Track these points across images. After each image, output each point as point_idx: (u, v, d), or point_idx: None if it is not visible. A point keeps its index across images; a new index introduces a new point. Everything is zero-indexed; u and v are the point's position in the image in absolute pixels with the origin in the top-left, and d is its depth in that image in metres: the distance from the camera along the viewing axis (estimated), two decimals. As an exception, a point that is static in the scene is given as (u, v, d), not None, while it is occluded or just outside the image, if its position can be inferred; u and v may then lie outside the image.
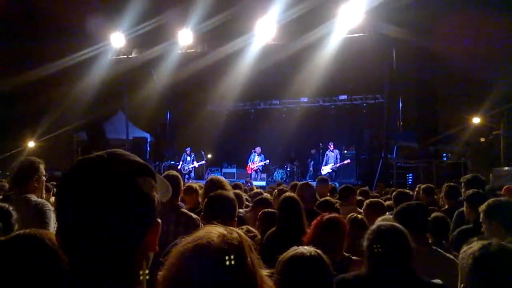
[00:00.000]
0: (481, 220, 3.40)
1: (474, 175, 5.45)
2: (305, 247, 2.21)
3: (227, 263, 1.15)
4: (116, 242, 1.02)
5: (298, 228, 3.87)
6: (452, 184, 5.88)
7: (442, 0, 14.16)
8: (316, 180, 7.01)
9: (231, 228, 1.25)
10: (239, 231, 1.25)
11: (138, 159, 1.13)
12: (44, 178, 3.90)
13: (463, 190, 5.17)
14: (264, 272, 1.27)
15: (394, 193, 5.81)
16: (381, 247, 2.43)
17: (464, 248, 2.04)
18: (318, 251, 2.18)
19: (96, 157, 1.07)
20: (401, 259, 2.43)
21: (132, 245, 1.05)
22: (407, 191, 6.15)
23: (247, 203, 6.30)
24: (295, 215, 3.97)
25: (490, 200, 3.43)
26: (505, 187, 7.31)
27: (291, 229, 3.87)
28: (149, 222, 1.08)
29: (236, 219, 3.27)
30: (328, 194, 6.45)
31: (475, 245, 1.99)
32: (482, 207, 3.39)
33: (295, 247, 2.21)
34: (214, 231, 1.22)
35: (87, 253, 1.01)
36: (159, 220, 1.12)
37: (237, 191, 5.72)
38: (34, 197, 3.63)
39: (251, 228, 3.73)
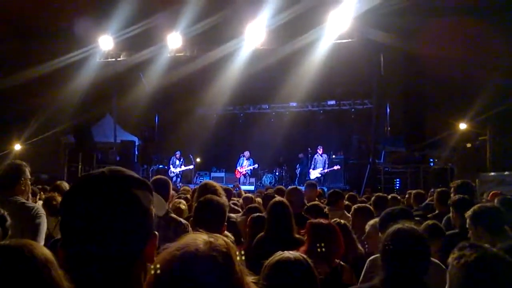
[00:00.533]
0: (467, 225, 3.44)
1: (463, 181, 5.48)
2: (291, 251, 2.20)
3: (217, 269, 1.14)
4: (117, 253, 1.07)
5: (287, 233, 3.88)
6: (444, 189, 5.92)
7: (430, 6, 14.29)
8: (305, 184, 7.03)
9: (216, 235, 1.25)
10: (225, 238, 1.25)
11: (137, 175, 1.19)
12: (29, 182, 3.90)
13: (452, 195, 5.22)
14: (250, 278, 1.27)
15: (373, 198, 5.85)
16: (397, 252, 2.28)
17: (455, 253, 2.05)
18: (304, 255, 2.17)
19: (97, 173, 1.14)
20: (418, 268, 2.27)
21: (133, 257, 1.10)
22: (384, 195, 6.21)
23: (235, 207, 6.31)
24: (284, 219, 3.98)
25: (475, 206, 3.48)
26: (491, 192, 7.37)
27: (280, 233, 3.87)
28: (148, 234, 1.14)
29: (226, 224, 3.26)
30: (316, 199, 6.47)
31: (468, 253, 2.00)
32: (468, 213, 3.44)
33: (280, 252, 2.20)
34: (200, 238, 1.21)
35: (89, 265, 1.06)
36: (157, 233, 1.17)
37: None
38: (26, 201, 3.63)
39: (228, 234, 3.72)
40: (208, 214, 3.10)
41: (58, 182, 5.92)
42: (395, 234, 2.34)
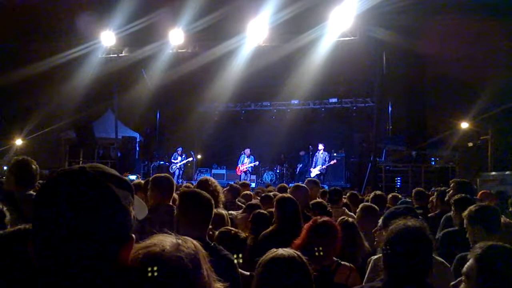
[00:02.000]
0: (464, 225, 3.46)
1: (463, 180, 5.50)
2: (284, 248, 2.16)
3: (181, 273, 1.09)
4: (89, 252, 1.00)
5: (296, 228, 3.88)
6: (445, 189, 5.93)
7: (432, 5, 14.26)
8: (305, 182, 7.00)
9: (186, 237, 1.20)
10: (194, 241, 1.20)
11: (119, 174, 1.13)
12: None
13: (450, 193, 5.22)
14: (218, 285, 1.23)
15: (371, 196, 5.83)
16: (399, 250, 2.19)
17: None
18: (297, 252, 2.14)
19: (77, 168, 1.07)
20: (419, 268, 2.18)
21: (105, 258, 1.03)
22: (382, 194, 6.19)
23: (243, 205, 6.30)
24: (294, 215, 4.01)
25: (472, 206, 3.49)
26: (481, 192, 7.41)
27: (289, 229, 3.87)
28: (124, 235, 1.08)
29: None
30: (318, 196, 6.46)
31: (477, 246, 2.03)
32: (465, 213, 3.46)
33: (274, 249, 2.16)
34: (168, 239, 1.16)
35: (60, 262, 1.00)
36: (134, 236, 1.11)
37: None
38: None
39: (234, 230, 3.71)
40: (193, 209, 3.00)
41: None
42: (397, 232, 2.25)
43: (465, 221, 3.46)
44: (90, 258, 1.00)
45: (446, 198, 5.18)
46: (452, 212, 4.42)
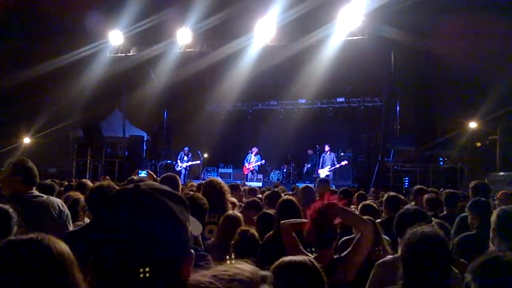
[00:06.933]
0: (491, 231, 3.31)
1: (480, 182, 5.44)
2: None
3: None
4: (153, 270, 0.99)
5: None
6: (452, 191, 5.87)
7: (441, 3, 14.17)
8: (317, 181, 6.96)
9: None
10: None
11: (174, 191, 1.13)
12: None
13: (470, 195, 5.18)
14: None
15: (385, 197, 5.76)
16: (418, 257, 2.18)
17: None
18: (309, 257, 2.13)
19: (133, 187, 1.07)
20: (439, 275, 2.16)
21: (168, 274, 1.01)
22: (397, 194, 6.12)
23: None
24: (292, 218, 3.95)
25: (503, 207, 3.35)
26: (500, 192, 7.29)
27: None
28: (184, 251, 1.06)
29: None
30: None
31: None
32: (493, 218, 3.32)
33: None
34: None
35: (123, 282, 0.98)
36: (193, 251, 1.09)
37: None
38: (47, 196, 3.66)
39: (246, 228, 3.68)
40: None
41: (83, 180, 6.10)
42: (418, 239, 2.23)
43: (492, 226, 3.32)
44: (153, 275, 0.98)
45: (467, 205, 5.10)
46: (468, 215, 4.35)
